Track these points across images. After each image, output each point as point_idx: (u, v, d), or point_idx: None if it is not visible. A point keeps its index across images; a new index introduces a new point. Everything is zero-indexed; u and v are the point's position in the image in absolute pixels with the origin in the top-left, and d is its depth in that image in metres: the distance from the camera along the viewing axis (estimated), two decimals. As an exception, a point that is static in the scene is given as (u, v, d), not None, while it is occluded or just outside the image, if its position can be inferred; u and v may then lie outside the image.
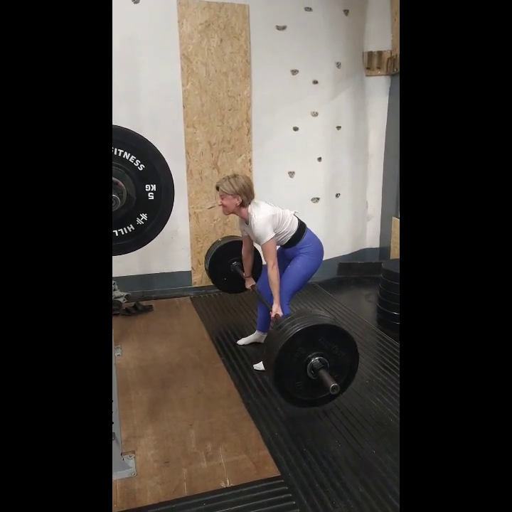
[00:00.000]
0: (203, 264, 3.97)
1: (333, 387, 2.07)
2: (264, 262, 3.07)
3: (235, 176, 2.80)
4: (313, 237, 2.96)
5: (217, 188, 2.80)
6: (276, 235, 2.79)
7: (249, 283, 3.30)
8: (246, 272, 3.32)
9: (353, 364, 2.31)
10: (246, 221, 2.86)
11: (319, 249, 2.96)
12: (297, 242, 2.90)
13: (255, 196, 2.86)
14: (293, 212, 2.95)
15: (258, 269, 3.41)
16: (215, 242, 3.81)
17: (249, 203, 2.80)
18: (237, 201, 2.76)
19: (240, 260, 3.40)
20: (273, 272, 2.76)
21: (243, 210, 2.81)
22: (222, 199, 2.79)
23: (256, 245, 3.07)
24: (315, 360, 2.19)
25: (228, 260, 3.63)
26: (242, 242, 3.23)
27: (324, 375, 2.14)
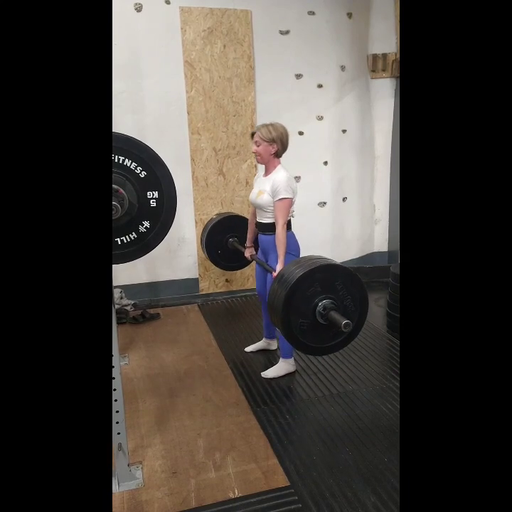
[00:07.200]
0: (200, 244, 3.82)
1: (346, 324, 1.94)
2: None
3: (272, 123, 2.72)
4: (292, 236, 2.83)
5: (253, 135, 2.74)
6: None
7: (249, 252, 3.18)
8: (248, 240, 3.17)
9: (359, 323, 2.17)
10: (269, 173, 2.78)
11: (296, 248, 2.83)
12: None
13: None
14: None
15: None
16: (210, 219, 3.71)
17: (280, 157, 2.75)
18: (272, 149, 2.70)
19: (237, 236, 3.30)
20: (282, 231, 2.66)
21: (275, 161, 2.75)
22: (258, 146, 2.72)
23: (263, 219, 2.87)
24: (327, 301, 2.06)
25: (226, 235, 3.52)
26: (237, 216, 3.15)
27: (335, 315, 2.02)
